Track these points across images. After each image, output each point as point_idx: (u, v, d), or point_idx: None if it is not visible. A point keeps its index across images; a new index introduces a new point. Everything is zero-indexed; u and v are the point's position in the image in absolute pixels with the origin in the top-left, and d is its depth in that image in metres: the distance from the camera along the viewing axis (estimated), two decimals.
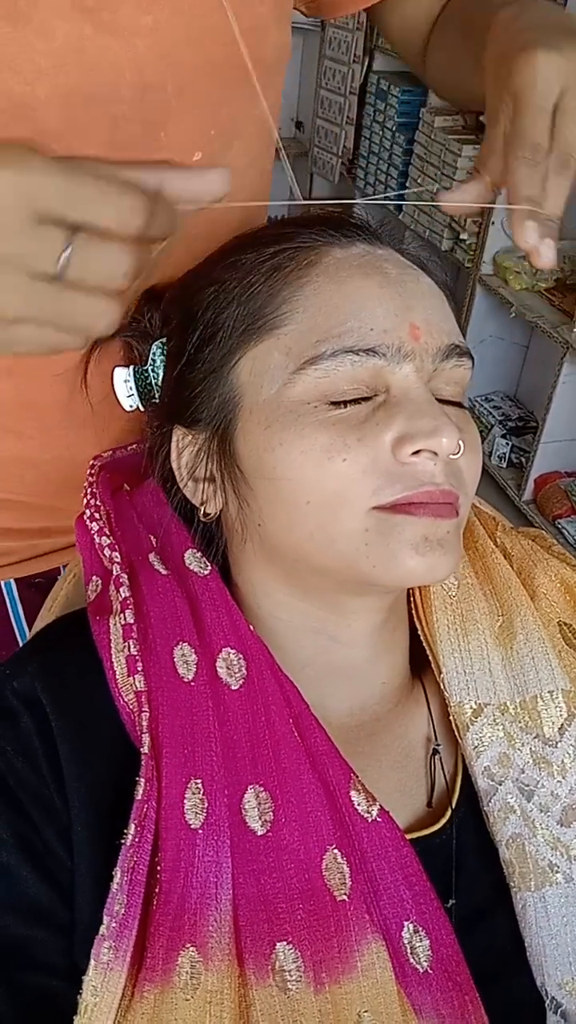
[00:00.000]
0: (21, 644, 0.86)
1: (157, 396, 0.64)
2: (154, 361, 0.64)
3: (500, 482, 2.54)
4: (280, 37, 0.68)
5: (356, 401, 0.53)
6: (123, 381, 0.65)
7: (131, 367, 0.66)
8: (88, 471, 0.66)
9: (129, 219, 0.39)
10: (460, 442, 0.52)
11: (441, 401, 0.55)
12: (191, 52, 0.60)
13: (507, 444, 2.57)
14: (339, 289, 0.54)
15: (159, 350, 0.64)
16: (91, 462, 0.67)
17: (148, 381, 0.65)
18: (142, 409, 0.66)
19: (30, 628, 0.85)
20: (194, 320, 0.58)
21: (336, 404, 0.52)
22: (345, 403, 0.52)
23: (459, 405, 0.57)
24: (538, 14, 0.58)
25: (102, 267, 0.40)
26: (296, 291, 0.54)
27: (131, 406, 0.66)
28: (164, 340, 0.64)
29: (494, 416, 2.66)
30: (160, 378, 0.64)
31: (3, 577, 0.83)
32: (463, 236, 2.50)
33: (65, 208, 0.38)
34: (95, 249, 0.39)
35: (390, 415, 0.52)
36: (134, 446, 0.72)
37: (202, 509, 0.59)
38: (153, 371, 0.65)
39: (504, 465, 2.57)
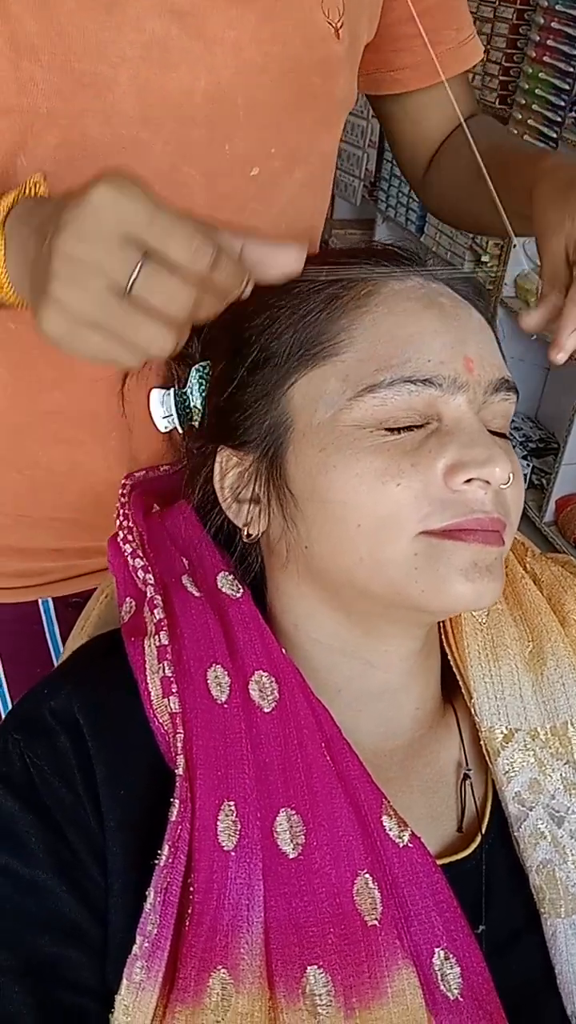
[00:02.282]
0: (55, 659, 0.87)
1: (196, 418, 0.65)
2: (193, 384, 0.65)
3: None
4: (349, 79, 0.73)
5: (409, 428, 0.54)
6: (159, 403, 0.66)
7: (170, 389, 0.67)
8: (120, 490, 0.67)
9: (194, 260, 0.45)
10: (510, 473, 0.53)
11: (489, 432, 0.56)
12: (265, 75, 0.64)
13: (528, 466, 2.57)
14: (397, 320, 0.55)
15: (198, 374, 0.65)
16: (123, 481, 0.68)
17: (187, 404, 0.66)
18: (179, 431, 0.66)
19: (64, 643, 0.86)
20: (247, 344, 0.59)
21: (391, 430, 0.53)
22: (399, 429, 0.53)
23: (504, 437, 0.58)
24: None
25: (163, 294, 0.45)
26: (355, 320, 0.55)
27: (167, 427, 0.67)
28: (204, 364, 0.65)
29: (515, 437, 2.66)
30: (199, 401, 0.65)
31: (41, 595, 0.84)
32: (484, 259, 2.51)
33: (146, 235, 0.44)
34: (160, 277, 0.45)
35: (443, 443, 0.53)
36: (166, 467, 0.73)
37: (245, 530, 0.60)
38: (192, 394, 0.65)
39: (525, 487, 2.57)
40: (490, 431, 0.56)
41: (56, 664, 0.86)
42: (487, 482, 0.53)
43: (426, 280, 0.58)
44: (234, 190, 0.68)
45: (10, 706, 0.89)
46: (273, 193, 0.70)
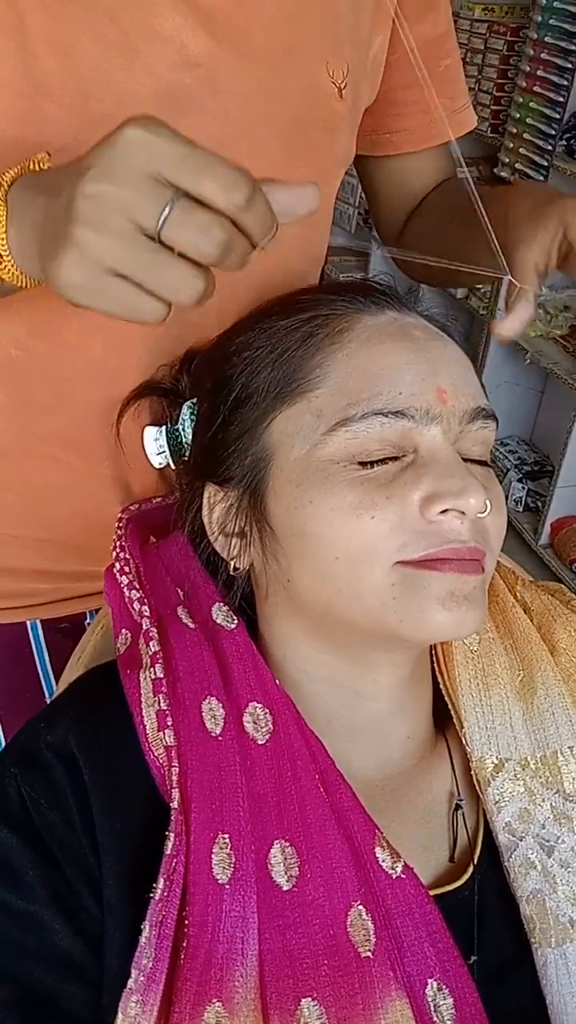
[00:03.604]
0: (45, 685, 0.88)
1: (187, 454, 0.67)
2: (184, 421, 0.67)
3: (517, 526, 2.55)
4: (349, 138, 0.76)
5: (384, 461, 0.54)
6: (153, 440, 0.68)
7: (162, 427, 0.68)
8: (116, 524, 0.68)
9: (229, 194, 0.43)
10: (487, 501, 0.54)
11: (468, 461, 0.56)
12: (269, 128, 0.67)
13: (523, 488, 2.58)
14: (370, 355, 0.56)
15: (189, 411, 0.66)
16: (119, 515, 0.69)
17: (179, 440, 0.67)
18: (172, 467, 0.68)
19: (54, 670, 0.87)
20: (228, 383, 0.60)
21: (364, 464, 0.54)
22: (373, 463, 0.54)
23: (485, 464, 0.59)
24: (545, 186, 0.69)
25: (195, 231, 0.43)
26: (328, 356, 0.56)
27: (160, 463, 0.68)
28: (194, 401, 0.66)
29: (510, 460, 2.67)
30: (190, 437, 0.66)
31: (29, 617, 0.85)
32: (477, 284, 2.54)
33: (177, 172, 0.43)
34: (192, 214, 0.43)
35: (418, 475, 0.54)
36: (159, 499, 0.74)
37: (232, 564, 0.61)
38: (183, 430, 0.67)
39: (520, 509, 2.58)
40: (471, 459, 0.57)
41: (44, 688, 0.87)
42: (463, 512, 0.53)
43: (401, 314, 0.59)
44: None
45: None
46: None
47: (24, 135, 0.60)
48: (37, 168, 0.52)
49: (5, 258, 0.51)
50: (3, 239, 0.50)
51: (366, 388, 0.55)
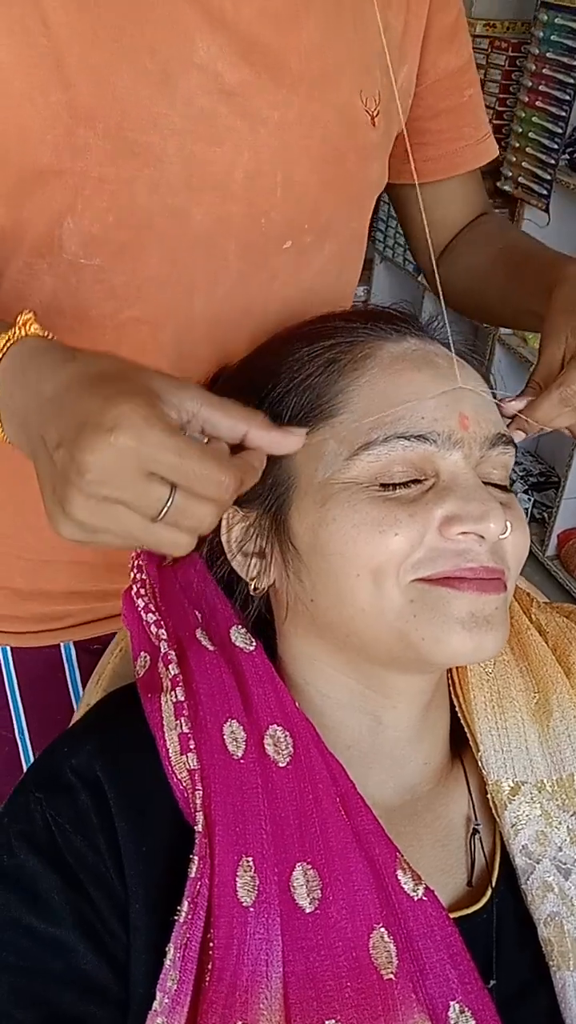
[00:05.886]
0: (76, 706, 0.88)
1: None
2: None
3: None
4: (382, 163, 0.77)
5: (407, 485, 0.55)
6: None
7: None
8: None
9: (222, 493, 0.47)
10: (508, 523, 0.55)
11: (488, 485, 0.57)
12: (304, 156, 0.68)
13: (529, 500, 2.59)
14: (393, 381, 0.57)
15: None
16: None
17: None
18: None
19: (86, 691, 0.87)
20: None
21: (387, 486, 0.55)
22: (395, 486, 0.55)
23: (505, 488, 0.60)
24: None
25: (193, 519, 0.47)
26: (351, 383, 0.57)
27: None
28: None
29: (515, 472, 2.67)
30: None
31: (62, 639, 0.86)
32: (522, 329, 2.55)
33: (173, 475, 0.45)
34: (191, 505, 0.47)
35: (441, 496, 0.55)
36: None
37: (252, 584, 0.61)
38: None
39: (527, 521, 2.59)
40: (491, 483, 0.58)
41: (75, 709, 0.87)
42: (482, 536, 0.54)
43: (422, 342, 0.60)
44: (266, 261, 0.71)
45: (30, 750, 0.90)
46: (303, 266, 0.74)
47: (63, 164, 0.62)
48: (25, 333, 0.53)
49: None
50: None
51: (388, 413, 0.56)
